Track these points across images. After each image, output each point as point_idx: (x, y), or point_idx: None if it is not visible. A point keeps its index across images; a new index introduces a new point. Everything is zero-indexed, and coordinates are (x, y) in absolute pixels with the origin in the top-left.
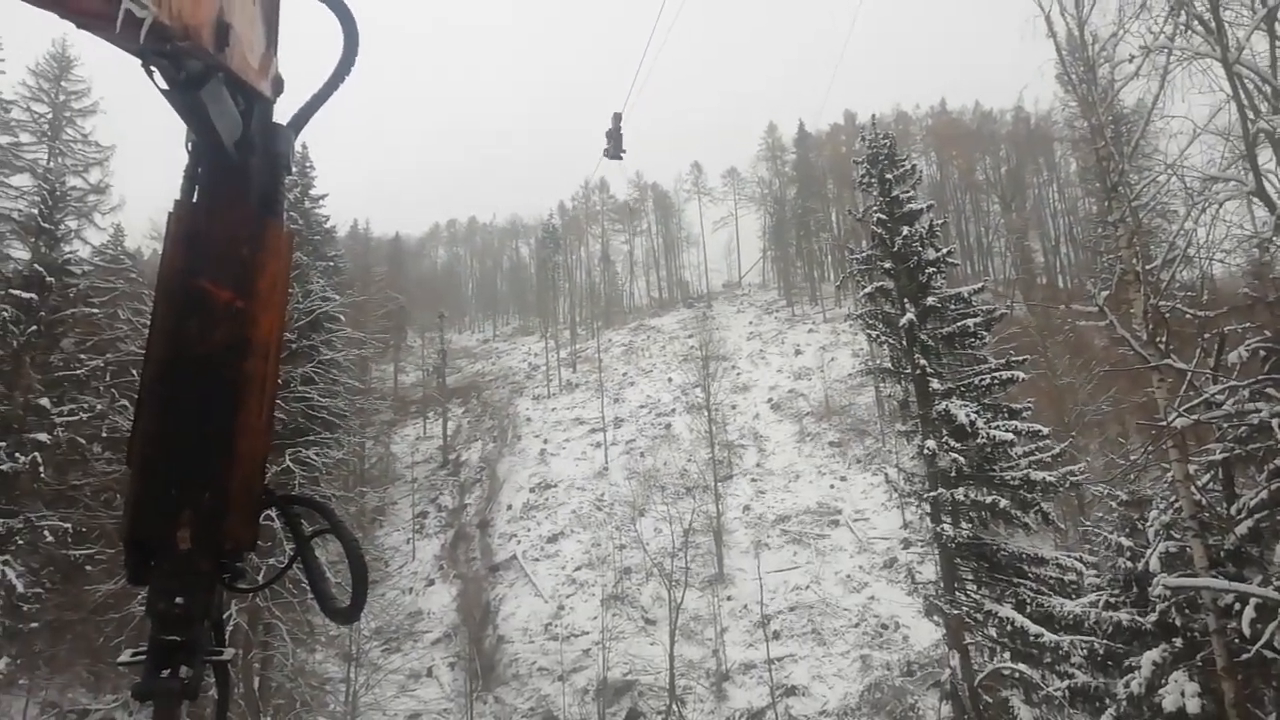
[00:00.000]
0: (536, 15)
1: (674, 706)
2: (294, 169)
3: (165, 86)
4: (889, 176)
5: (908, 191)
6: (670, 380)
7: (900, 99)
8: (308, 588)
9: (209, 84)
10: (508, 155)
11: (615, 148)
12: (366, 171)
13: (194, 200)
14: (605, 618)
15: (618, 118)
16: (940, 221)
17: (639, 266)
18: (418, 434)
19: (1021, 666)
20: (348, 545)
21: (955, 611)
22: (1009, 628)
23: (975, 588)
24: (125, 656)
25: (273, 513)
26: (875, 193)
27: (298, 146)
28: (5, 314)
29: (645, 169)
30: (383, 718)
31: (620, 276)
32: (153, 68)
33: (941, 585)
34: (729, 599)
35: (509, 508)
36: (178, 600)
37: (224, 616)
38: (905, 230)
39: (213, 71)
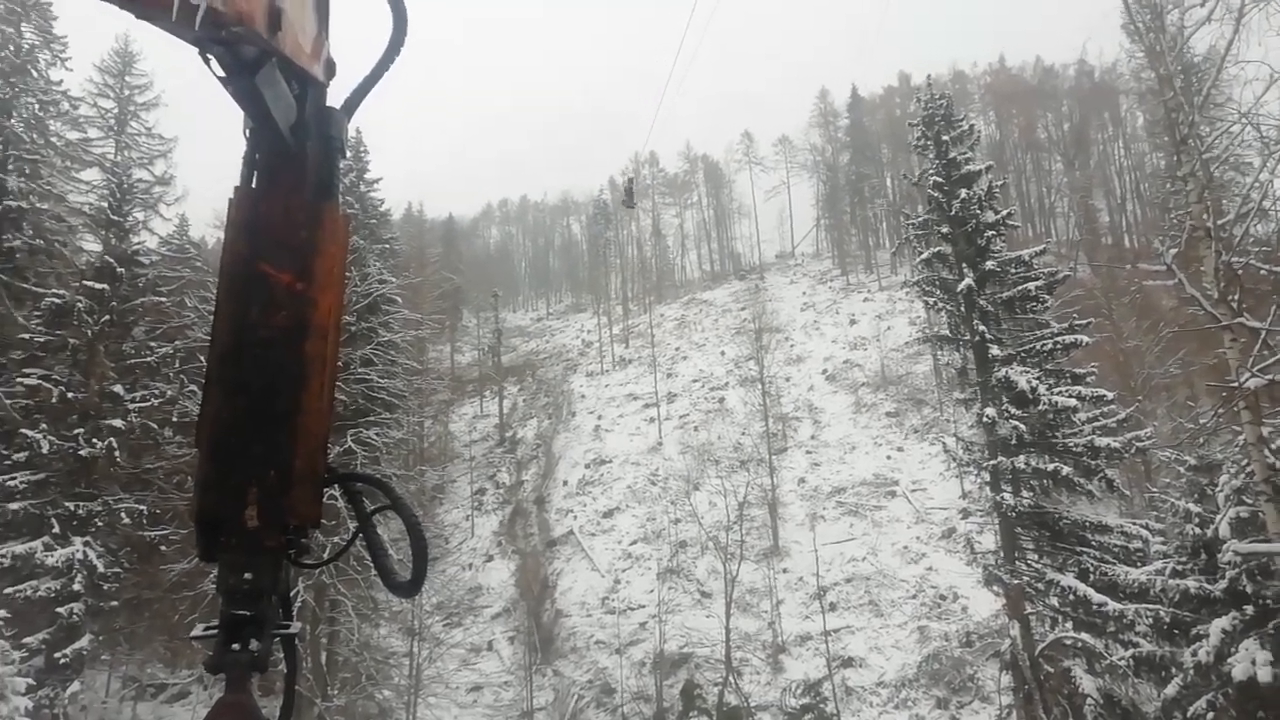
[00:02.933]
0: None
1: (730, 678)
2: (348, 153)
3: (222, 74)
4: (945, 138)
5: (965, 153)
6: (723, 354)
7: (957, 58)
8: (371, 564)
9: (264, 69)
10: (560, 135)
11: (630, 200)
12: (420, 154)
13: (253, 186)
14: (661, 591)
15: (631, 182)
16: (1000, 183)
17: (690, 240)
18: (475, 412)
19: (1084, 636)
20: (408, 521)
21: (1015, 581)
22: (1071, 597)
23: (1036, 557)
24: (198, 631)
25: (336, 491)
26: (931, 155)
27: (351, 130)
28: (80, 305)
29: (695, 141)
30: (445, 690)
31: (671, 250)
32: (209, 55)
33: (1001, 555)
34: (784, 571)
35: (565, 484)
36: (246, 576)
37: (291, 592)
38: (963, 193)
39: (267, 57)
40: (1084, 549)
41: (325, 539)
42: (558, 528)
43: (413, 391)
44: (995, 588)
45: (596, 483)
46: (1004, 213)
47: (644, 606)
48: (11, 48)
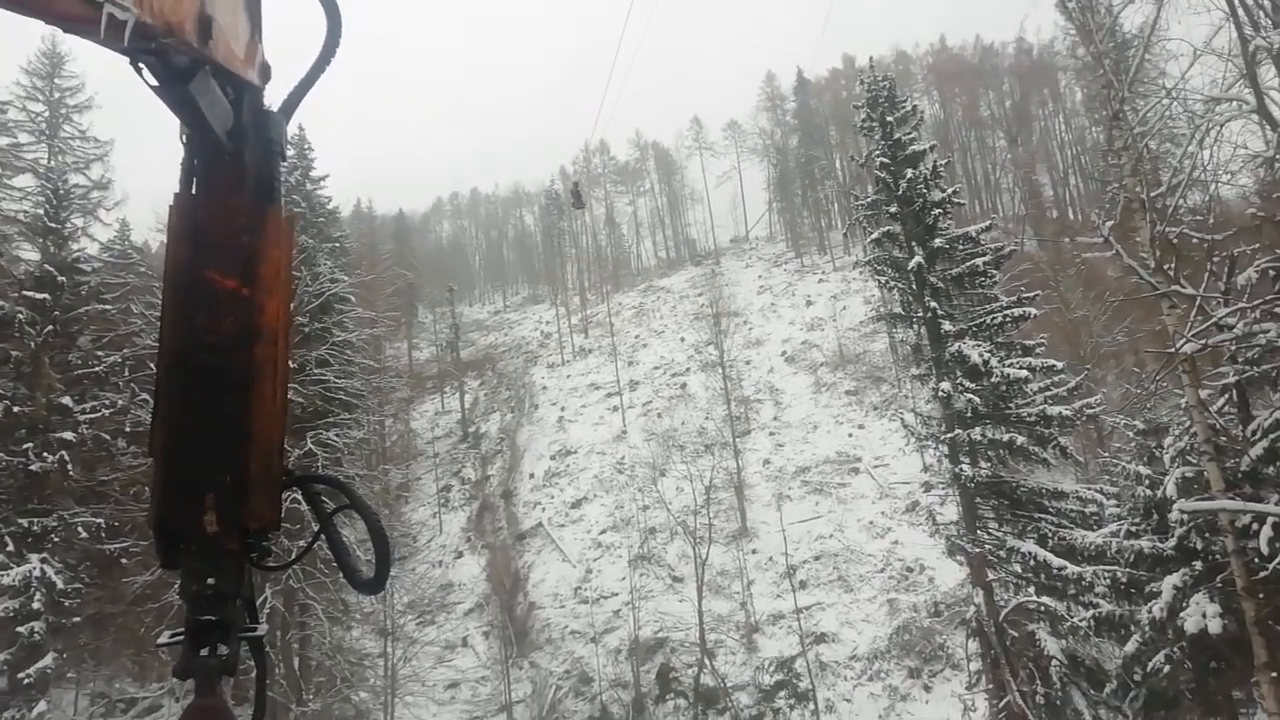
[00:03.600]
0: None
1: (705, 660)
2: (290, 153)
3: (154, 83)
4: (890, 119)
5: (910, 133)
6: (683, 340)
7: (899, 39)
8: (338, 567)
9: (197, 77)
10: (509, 128)
11: (578, 202)
12: (366, 152)
13: (192, 192)
14: (633, 578)
15: (577, 185)
16: (945, 161)
17: (644, 227)
18: (436, 409)
19: (1046, 599)
20: (368, 519)
21: (977, 550)
22: (1032, 562)
23: (997, 525)
24: (164, 638)
25: (298, 494)
26: (877, 136)
27: (293, 129)
28: (21, 316)
29: (645, 128)
30: (422, 688)
31: (626, 238)
32: (140, 65)
33: (963, 525)
34: (754, 552)
35: (531, 476)
36: (209, 581)
37: (256, 596)
38: (909, 173)
39: (199, 65)
40: (1042, 515)
41: (290, 542)
42: (526, 520)
43: (371, 390)
44: (959, 557)
45: (563, 474)
46: (950, 190)
47: (617, 594)
48: None
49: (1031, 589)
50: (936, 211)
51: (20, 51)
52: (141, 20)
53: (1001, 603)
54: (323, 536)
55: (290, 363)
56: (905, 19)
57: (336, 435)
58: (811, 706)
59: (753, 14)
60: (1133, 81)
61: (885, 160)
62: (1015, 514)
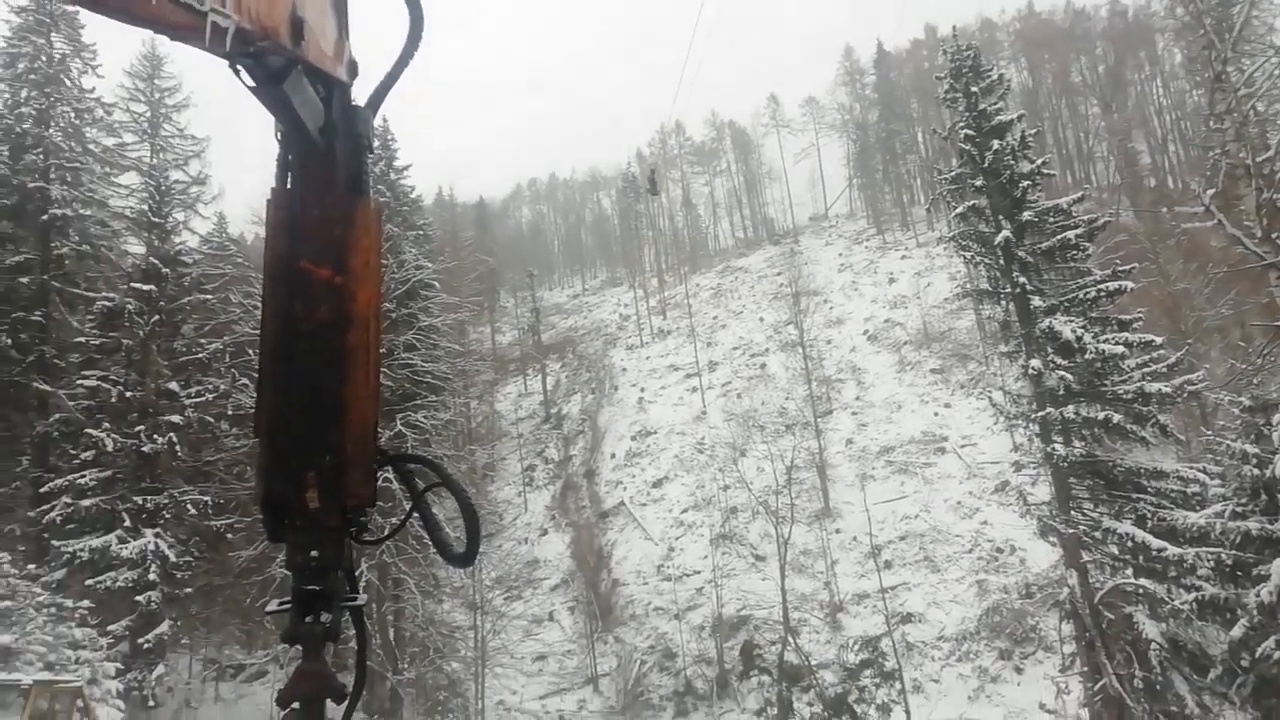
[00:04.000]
0: None
1: (789, 638)
2: (376, 145)
3: (251, 84)
4: (974, 89)
5: (996, 103)
6: (761, 320)
7: (984, 7)
8: (430, 543)
9: (290, 77)
10: (586, 112)
11: (653, 188)
12: (446, 140)
13: (287, 187)
14: (715, 556)
15: (654, 171)
16: (1033, 131)
17: (721, 208)
18: (519, 391)
19: (1144, 582)
20: (458, 495)
21: (1071, 530)
22: (1129, 544)
23: (1092, 506)
24: (273, 606)
25: (390, 473)
26: (961, 108)
27: (377, 122)
28: (130, 306)
29: (721, 107)
30: (511, 660)
31: (703, 219)
32: (238, 67)
33: (1055, 505)
34: (837, 532)
35: (612, 456)
36: (312, 554)
37: (355, 568)
38: (995, 144)
39: (292, 65)
40: (1140, 495)
41: (383, 520)
42: (608, 499)
43: (457, 374)
44: (1051, 538)
45: (644, 454)
46: (1039, 161)
47: (699, 572)
48: (44, 58)
49: (1129, 571)
50: (1025, 183)
51: (124, 54)
52: (241, 26)
53: (1097, 585)
54: (416, 513)
55: (380, 347)
56: None
57: (424, 417)
58: (898, 686)
59: None
60: (1237, 40)
61: (970, 132)
62: (1111, 494)
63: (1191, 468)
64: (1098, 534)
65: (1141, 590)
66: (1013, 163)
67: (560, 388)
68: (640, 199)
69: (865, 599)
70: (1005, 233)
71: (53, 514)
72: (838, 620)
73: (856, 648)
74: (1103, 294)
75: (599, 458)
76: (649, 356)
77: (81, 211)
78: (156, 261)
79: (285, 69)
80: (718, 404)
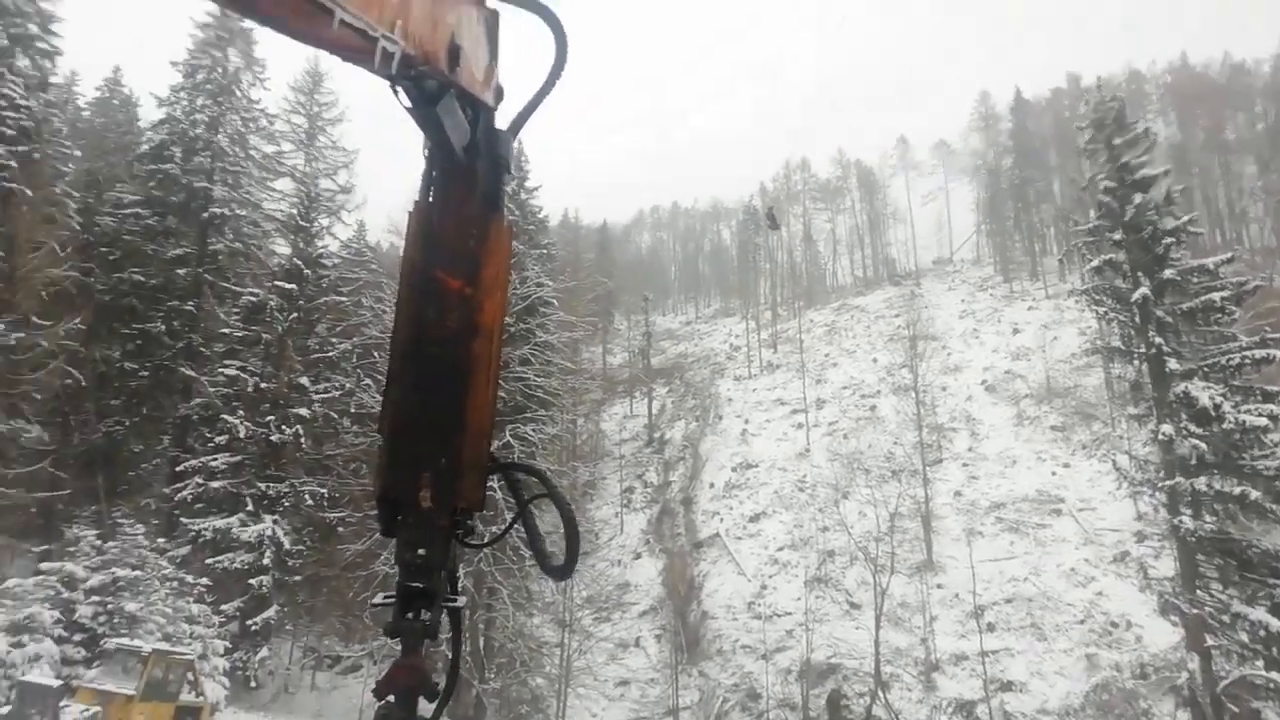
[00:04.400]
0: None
1: (879, 692)
2: (512, 167)
3: (408, 104)
4: (1118, 141)
5: (1140, 156)
6: (875, 360)
7: (1133, 57)
8: (527, 555)
9: (444, 100)
10: (713, 141)
11: (773, 223)
12: (576, 161)
13: (430, 200)
14: (808, 599)
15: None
16: (1180, 187)
17: (842, 245)
18: (625, 412)
19: (1275, 675)
20: (562, 507)
21: (1196, 611)
22: (1262, 633)
23: (1221, 587)
24: (378, 599)
25: (495, 481)
26: (1102, 159)
27: (514, 144)
28: (272, 303)
29: (848, 145)
30: (594, 682)
31: (822, 256)
32: (398, 88)
33: (1180, 583)
34: (939, 587)
35: (711, 486)
36: (420, 551)
37: (457, 570)
38: (1138, 198)
39: (447, 89)
40: (1277, 581)
41: (484, 527)
42: (704, 529)
43: (567, 390)
44: (1173, 617)
45: (743, 486)
46: (1185, 219)
47: (790, 614)
48: (220, 70)
49: (1260, 662)
50: (1168, 240)
51: (289, 69)
52: (406, 52)
53: (1221, 674)
54: (520, 521)
55: (500, 359)
56: (1140, 35)
57: (533, 430)
58: None
59: (965, 33)
60: None
61: (1111, 184)
62: (1244, 576)
63: None
64: (1225, 618)
65: (1272, 684)
66: (1155, 218)
67: (665, 413)
68: (759, 231)
69: (963, 660)
70: (1144, 289)
71: (184, 492)
72: (932, 679)
73: (950, 711)
74: (1247, 361)
75: (698, 486)
76: (756, 389)
77: (238, 212)
78: (299, 262)
79: (440, 92)
80: (822, 443)
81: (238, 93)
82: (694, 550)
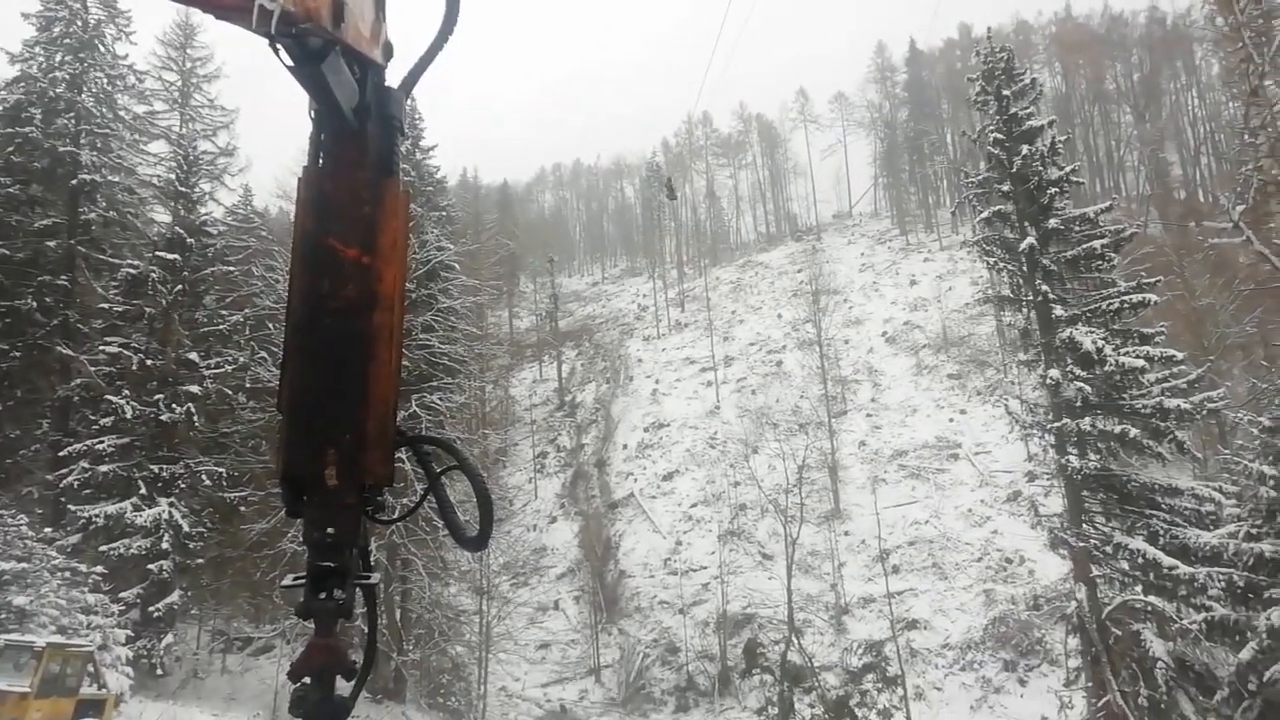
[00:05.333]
0: None
1: (793, 638)
2: (406, 126)
3: (290, 63)
4: (1006, 93)
5: (1027, 108)
6: (780, 316)
7: (1020, 8)
8: (440, 525)
9: (328, 58)
10: (612, 99)
11: (670, 193)
12: (472, 120)
13: (319, 165)
14: (722, 553)
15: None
16: (1064, 137)
17: (745, 201)
18: (534, 377)
19: (1154, 599)
20: (473, 478)
21: (1082, 544)
22: (1140, 560)
23: (1104, 520)
24: (287, 581)
25: (404, 454)
26: (992, 110)
27: (407, 102)
28: (154, 275)
29: (749, 99)
30: (515, 647)
31: (726, 212)
32: (278, 46)
33: (1067, 518)
34: (846, 534)
35: (624, 447)
36: (329, 530)
37: (369, 546)
38: (1025, 149)
39: (331, 46)
40: (1154, 512)
41: (395, 500)
42: (619, 490)
43: (473, 357)
44: (1061, 550)
45: (655, 446)
46: (1068, 169)
47: (706, 568)
48: (80, 23)
49: (1138, 587)
50: (1052, 190)
51: (157, 22)
52: (286, 8)
53: (1105, 600)
54: (431, 494)
55: (402, 328)
56: None
57: (440, 399)
58: (900, 692)
59: None
60: (1276, 54)
61: (999, 136)
62: (1124, 509)
63: (1207, 486)
64: (1108, 549)
65: (1150, 608)
66: (1041, 169)
67: (575, 376)
68: (663, 189)
69: (871, 603)
70: (1030, 239)
71: (70, 478)
72: (842, 623)
73: (860, 651)
74: (1126, 306)
75: (611, 448)
76: (665, 349)
77: (110, 178)
78: (181, 231)
79: (323, 49)
80: (732, 399)
81: (101, 47)
82: (609, 511)
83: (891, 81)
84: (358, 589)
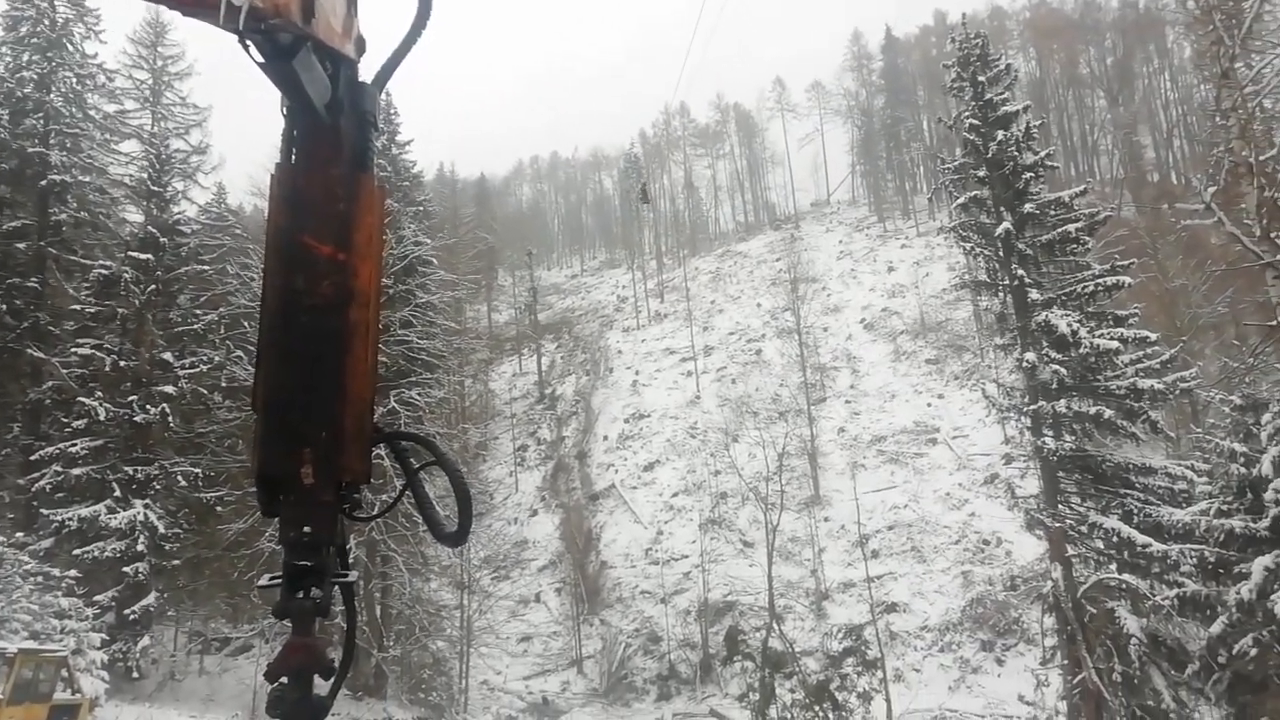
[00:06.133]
0: None
1: (774, 624)
2: (380, 121)
3: (260, 60)
4: (981, 79)
5: (1002, 93)
6: (759, 305)
7: None
8: (420, 521)
9: (299, 54)
10: (590, 91)
11: (644, 197)
12: (448, 114)
13: (293, 162)
14: (703, 541)
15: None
16: (1039, 122)
17: (723, 191)
18: (514, 371)
19: (1128, 577)
20: (452, 474)
21: (1058, 524)
22: (1115, 539)
23: (1079, 500)
24: (263, 580)
25: (383, 450)
26: (967, 96)
27: (382, 96)
28: (127, 275)
29: (726, 89)
30: (496, 640)
31: (705, 202)
32: (248, 42)
33: (1043, 499)
34: (826, 520)
35: (605, 438)
36: (305, 529)
37: (347, 544)
38: (1000, 135)
39: (301, 42)
40: (1128, 491)
41: (374, 497)
42: (599, 481)
43: (452, 351)
44: (1037, 531)
45: (636, 437)
46: (1043, 154)
47: (687, 557)
48: (47, 22)
49: (1113, 566)
50: (1028, 175)
51: (127, 20)
52: (254, 4)
53: (1081, 579)
54: (409, 491)
55: (379, 324)
56: None
57: (419, 394)
58: (879, 674)
59: None
60: (1246, 36)
61: (975, 122)
62: (1099, 489)
63: (1180, 465)
64: (1084, 528)
65: (1124, 585)
66: (1016, 154)
67: (555, 368)
68: (642, 178)
69: (851, 588)
70: (1006, 225)
71: (42, 482)
72: (823, 608)
73: (840, 636)
74: (1100, 289)
75: (591, 440)
76: (645, 339)
77: (80, 178)
78: (154, 230)
79: (294, 45)
80: (712, 389)
81: (69, 46)
82: (590, 503)
83: (868, 69)
84: (336, 587)
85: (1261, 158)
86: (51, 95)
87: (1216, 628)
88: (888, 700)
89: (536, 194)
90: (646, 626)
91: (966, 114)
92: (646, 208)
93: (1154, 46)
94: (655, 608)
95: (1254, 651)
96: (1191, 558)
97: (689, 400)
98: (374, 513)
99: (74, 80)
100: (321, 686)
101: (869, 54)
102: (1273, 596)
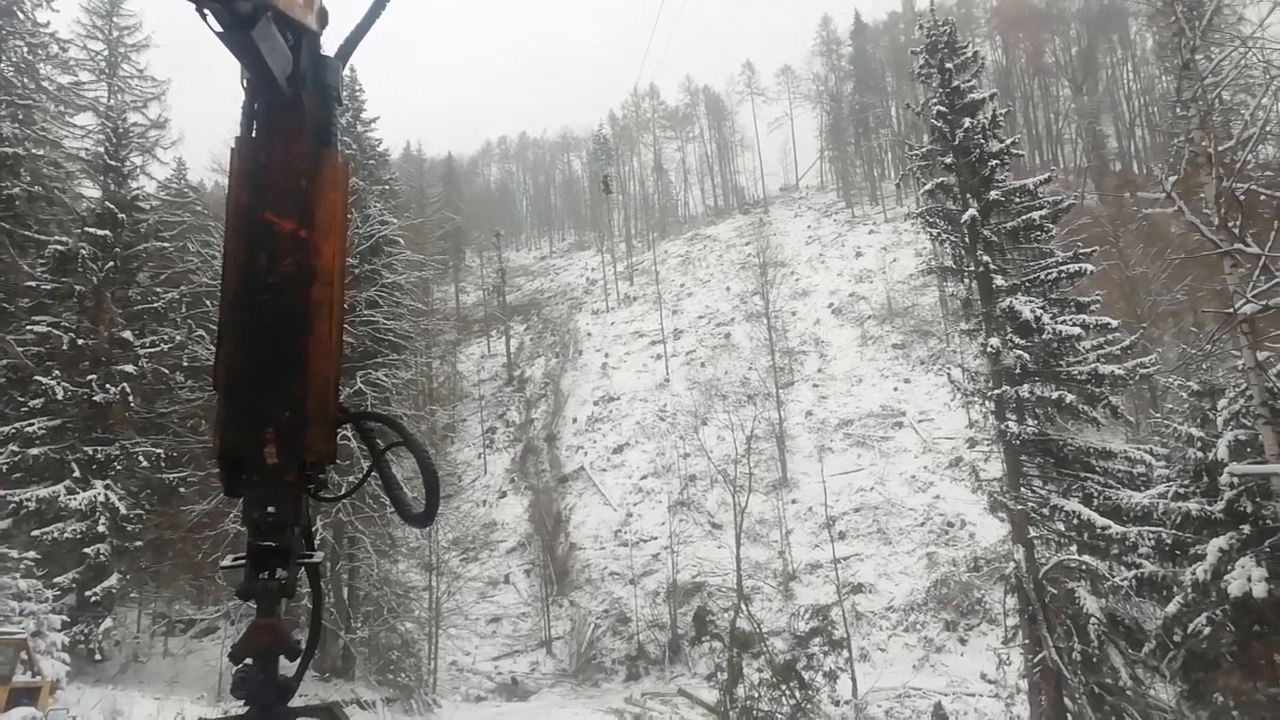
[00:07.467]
0: None
1: (742, 605)
2: (344, 97)
3: (219, 29)
4: (949, 66)
5: (969, 81)
6: (728, 289)
7: None
8: (387, 502)
9: (259, 23)
10: (558, 71)
11: (607, 189)
12: (415, 94)
13: (253, 136)
14: (672, 523)
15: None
16: (1004, 110)
17: (692, 174)
18: (482, 352)
19: (1087, 558)
20: (418, 454)
21: (1020, 507)
22: (1075, 521)
23: (1041, 483)
24: (227, 561)
25: (349, 431)
26: (935, 84)
27: (346, 72)
28: (84, 251)
29: (696, 72)
30: (465, 621)
31: (674, 185)
32: (205, 11)
33: (1006, 482)
34: (793, 502)
35: (574, 421)
36: (269, 510)
37: (312, 525)
38: (967, 122)
39: (261, 11)
40: (1088, 474)
41: (340, 478)
42: (569, 464)
43: (419, 332)
44: (1000, 514)
45: (605, 419)
46: (1008, 141)
47: (656, 538)
48: None
49: (1073, 548)
50: (994, 163)
51: None
52: None
53: (1042, 560)
54: (375, 472)
55: (343, 303)
56: None
57: (385, 375)
58: (845, 654)
59: None
60: (1206, 28)
61: (942, 109)
62: (1061, 472)
63: (1139, 449)
64: (1045, 511)
65: (1084, 567)
66: (983, 141)
67: (524, 350)
68: (611, 161)
69: (818, 569)
70: (972, 211)
71: None
72: (790, 589)
73: (807, 616)
74: (1063, 276)
75: (560, 422)
76: (614, 322)
77: (33, 151)
78: (112, 206)
79: (254, 14)
80: (681, 372)
81: (20, 15)
82: (559, 485)
83: (837, 55)
84: (301, 568)
85: (1220, 148)
86: (1, 65)
87: (1172, 607)
88: (853, 679)
89: (505, 174)
90: (615, 607)
91: (934, 101)
92: (614, 191)
93: (1117, 37)
94: (624, 589)
95: (1208, 630)
96: (1149, 539)
97: (658, 383)
98: (340, 493)
99: (25, 50)
100: (288, 668)
101: (838, 39)
102: (1226, 577)
